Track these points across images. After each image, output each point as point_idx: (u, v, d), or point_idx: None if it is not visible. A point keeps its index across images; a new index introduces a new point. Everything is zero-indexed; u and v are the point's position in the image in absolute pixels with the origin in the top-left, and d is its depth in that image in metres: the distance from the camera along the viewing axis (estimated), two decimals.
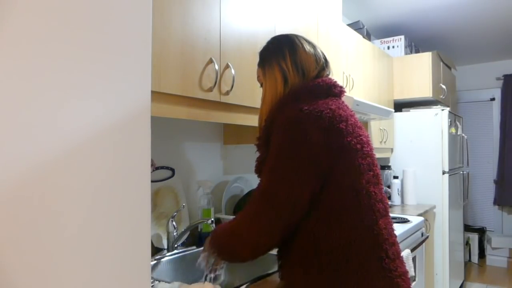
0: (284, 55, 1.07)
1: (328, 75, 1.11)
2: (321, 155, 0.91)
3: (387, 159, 3.18)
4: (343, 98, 1.11)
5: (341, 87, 1.07)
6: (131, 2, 0.67)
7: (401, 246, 1.94)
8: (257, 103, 1.27)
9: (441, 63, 3.40)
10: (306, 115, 0.93)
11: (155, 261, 1.36)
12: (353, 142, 0.95)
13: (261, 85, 1.13)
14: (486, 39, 3.69)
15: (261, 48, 1.15)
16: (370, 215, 0.94)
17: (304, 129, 0.92)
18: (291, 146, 0.92)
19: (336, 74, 2.17)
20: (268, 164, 0.96)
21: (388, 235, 0.97)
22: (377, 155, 2.91)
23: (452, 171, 3.03)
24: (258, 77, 1.15)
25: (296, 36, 1.12)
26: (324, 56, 1.11)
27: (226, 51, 1.35)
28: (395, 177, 2.95)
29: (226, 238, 1.00)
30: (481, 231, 4.37)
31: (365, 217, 0.93)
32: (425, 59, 3.11)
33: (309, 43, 1.11)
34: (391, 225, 1.02)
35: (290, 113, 0.95)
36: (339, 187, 0.93)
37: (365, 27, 2.96)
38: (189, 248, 1.51)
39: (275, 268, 1.10)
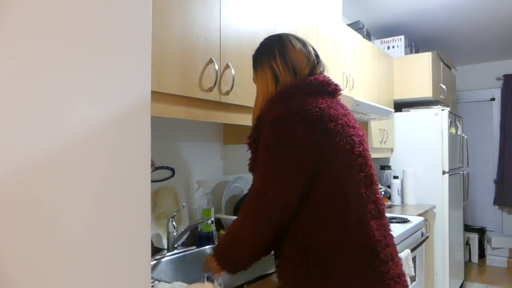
0: (274, 54, 1.07)
1: (322, 71, 1.10)
2: (307, 154, 0.91)
3: (387, 159, 3.18)
4: (341, 97, 1.10)
5: (336, 85, 1.06)
6: (131, 2, 0.67)
7: (401, 246, 1.94)
8: None
9: (441, 63, 3.40)
10: (293, 113, 0.93)
11: (155, 261, 1.36)
12: (342, 143, 0.95)
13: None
14: (486, 39, 3.69)
15: (254, 51, 1.15)
16: (360, 216, 0.93)
17: (290, 127, 0.92)
18: (278, 145, 0.92)
19: (336, 74, 2.17)
20: (258, 164, 0.97)
21: (381, 237, 0.96)
22: (377, 155, 2.91)
23: (452, 171, 3.03)
24: (253, 79, 1.15)
25: (286, 35, 1.11)
26: (316, 52, 1.10)
27: (226, 51, 1.35)
28: (395, 177, 2.94)
29: (227, 242, 1.01)
30: (481, 231, 4.37)
31: (355, 219, 0.93)
32: (425, 59, 3.11)
33: (299, 40, 1.10)
34: (386, 226, 1.01)
35: (278, 111, 0.95)
36: (327, 187, 0.92)
37: (365, 27, 2.96)
38: (189, 248, 1.51)
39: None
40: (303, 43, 1.09)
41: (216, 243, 1.07)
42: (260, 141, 0.97)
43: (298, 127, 0.91)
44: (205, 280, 1.08)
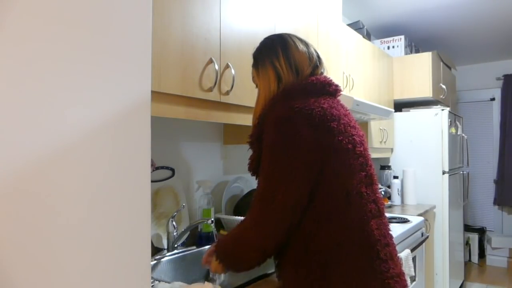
0: (277, 53, 1.07)
1: (322, 73, 1.11)
2: (312, 152, 0.91)
3: (387, 159, 3.18)
4: (341, 97, 1.10)
5: (336, 85, 1.07)
6: (131, 2, 0.67)
7: (401, 246, 1.94)
8: None
9: (441, 63, 3.40)
10: (296, 113, 0.93)
11: (155, 261, 1.36)
12: (344, 142, 0.95)
13: (256, 86, 1.13)
14: (486, 39, 3.69)
15: (254, 50, 1.14)
16: (361, 215, 0.94)
17: (294, 127, 0.92)
18: (283, 145, 0.92)
19: (336, 74, 2.17)
20: (263, 165, 0.96)
21: (381, 236, 0.96)
22: (377, 155, 2.91)
23: (452, 171, 3.03)
24: (253, 78, 1.15)
25: (289, 35, 1.11)
26: (318, 54, 1.11)
27: (226, 51, 1.35)
28: (395, 177, 2.94)
29: (232, 246, 0.99)
30: (481, 231, 4.37)
31: (356, 218, 0.93)
32: (425, 59, 3.11)
33: (302, 41, 1.10)
34: (386, 226, 1.01)
35: (281, 111, 0.95)
36: (329, 187, 0.92)
37: (365, 27, 2.96)
38: (189, 248, 1.51)
39: None
40: (306, 44, 1.10)
41: (216, 243, 1.05)
42: (264, 141, 0.97)
43: (302, 126, 0.92)
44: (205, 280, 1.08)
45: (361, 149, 1.00)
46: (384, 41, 3.33)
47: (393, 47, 3.28)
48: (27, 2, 0.53)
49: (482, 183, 4.55)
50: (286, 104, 0.96)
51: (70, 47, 0.58)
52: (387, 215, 2.41)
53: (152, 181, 1.47)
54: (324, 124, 0.93)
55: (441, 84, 3.35)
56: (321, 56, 1.12)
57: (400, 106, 3.32)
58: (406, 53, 3.26)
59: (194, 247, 1.53)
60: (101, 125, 0.62)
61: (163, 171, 1.55)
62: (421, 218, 2.37)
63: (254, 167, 1.04)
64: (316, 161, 0.91)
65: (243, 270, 1.01)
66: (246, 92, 1.43)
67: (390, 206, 2.84)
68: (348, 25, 2.72)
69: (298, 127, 0.92)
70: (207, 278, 1.10)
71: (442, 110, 2.95)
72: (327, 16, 2.03)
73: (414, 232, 2.20)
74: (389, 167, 3.11)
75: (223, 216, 1.71)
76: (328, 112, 0.95)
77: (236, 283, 1.16)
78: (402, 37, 3.25)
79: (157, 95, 1.11)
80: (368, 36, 2.95)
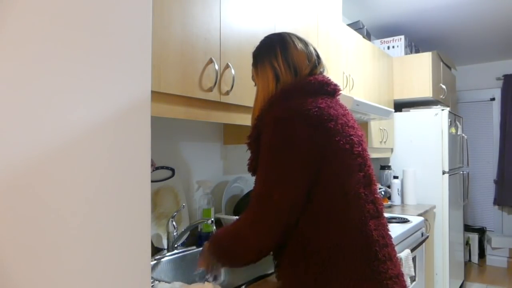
0: (275, 53, 1.06)
1: (322, 72, 1.10)
2: (310, 152, 0.91)
3: (387, 159, 3.18)
4: (341, 97, 1.10)
5: (335, 85, 1.06)
6: (131, 2, 0.67)
7: (401, 246, 1.94)
8: None
9: (441, 63, 3.40)
10: (293, 113, 0.93)
11: (155, 261, 1.36)
12: (341, 142, 0.94)
13: (255, 85, 1.13)
14: (486, 39, 3.69)
15: (254, 49, 1.14)
16: (359, 216, 0.93)
17: (291, 127, 0.92)
18: (280, 145, 0.92)
19: (336, 74, 2.17)
20: (260, 166, 0.96)
21: (380, 237, 0.95)
22: (377, 155, 2.91)
23: (452, 171, 3.03)
24: (252, 77, 1.15)
25: (288, 34, 1.11)
26: (317, 53, 1.10)
27: (226, 51, 1.35)
28: (395, 177, 2.94)
29: (228, 243, 0.99)
30: (481, 231, 4.37)
31: (354, 218, 0.92)
32: (425, 59, 3.11)
33: (301, 40, 1.10)
34: (384, 226, 1.00)
35: (278, 111, 0.95)
36: (327, 187, 0.92)
37: (365, 27, 2.96)
38: (189, 248, 1.51)
39: None
40: (305, 43, 1.09)
41: (211, 239, 1.05)
42: (261, 141, 0.97)
43: (299, 127, 0.91)
44: (208, 279, 1.08)
45: (359, 149, 0.99)
46: (384, 41, 3.33)
47: (393, 47, 3.28)
48: (27, 2, 0.53)
49: (482, 183, 4.55)
50: (284, 104, 0.96)
51: (70, 47, 0.58)
52: (387, 215, 2.41)
53: (152, 181, 1.47)
54: (321, 124, 0.93)
55: (441, 84, 3.35)
56: (320, 55, 1.11)
57: (400, 106, 3.32)
58: (406, 53, 3.26)
59: (194, 247, 1.53)
60: (101, 125, 0.62)
61: (163, 171, 1.55)
62: (421, 218, 2.37)
63: (254, 167, 1.04)
64: (313, 161, 0.91)
65: (238, 266, 1.01)
66: (246, 92, 1.43)
67: (390, 206, 2.84)
68: (348, 25, 2.72)
69: (295, 128, 0.91)
70: (206, 278, 1.11)
71: (442, 110, 2.96)
72: (327, 16, 2.03)
73: (414, 232, 2.20)
74: (389, 167, 3.11)
75: (223, 216, 1.71)
76: (325, 112, 0.95)
77: (236, 283, 1.16)
78: (402, 37, 3.25)
79: (157, 95, 1.11)
80: (368, 36, 2.95)
